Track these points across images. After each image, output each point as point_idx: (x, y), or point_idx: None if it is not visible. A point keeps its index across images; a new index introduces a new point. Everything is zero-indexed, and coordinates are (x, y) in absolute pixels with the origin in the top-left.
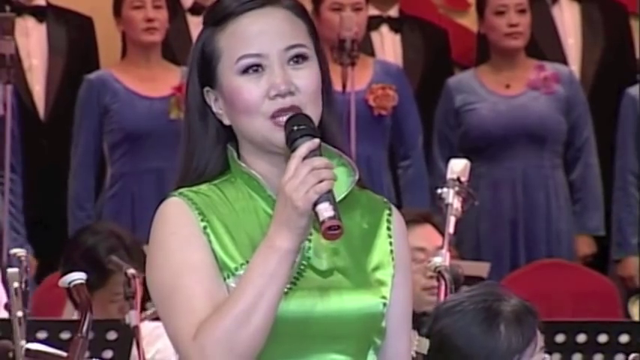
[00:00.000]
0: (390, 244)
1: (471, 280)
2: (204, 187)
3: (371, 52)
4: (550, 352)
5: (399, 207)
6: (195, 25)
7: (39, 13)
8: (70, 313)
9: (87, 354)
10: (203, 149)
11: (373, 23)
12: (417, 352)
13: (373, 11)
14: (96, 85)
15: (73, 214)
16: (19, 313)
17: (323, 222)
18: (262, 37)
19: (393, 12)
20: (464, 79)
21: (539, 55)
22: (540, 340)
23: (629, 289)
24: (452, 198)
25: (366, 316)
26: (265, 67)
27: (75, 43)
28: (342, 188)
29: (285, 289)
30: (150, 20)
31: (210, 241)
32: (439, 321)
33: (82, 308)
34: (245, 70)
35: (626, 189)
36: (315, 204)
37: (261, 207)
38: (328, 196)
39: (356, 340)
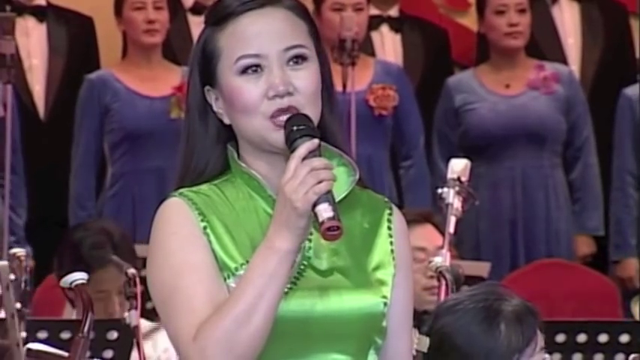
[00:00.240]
0: (391, 243)
1: (472, 280)
2: (204, 187)
3: (371, 52)
4: (550, 352)
5: (400, 207)
6: (196, 24)
7: (39, 13)
8: (70, 312)
9: (87, 354)
10: (203, 148)
11: (373, 23)
12: (417, 350)
13: (373, 11)
14: (97, 85)
15: (75, 214)
16: (17, 306)
17: (322, 223)
18: (262, 38)
19: (394, 12)
20: (464, 78)
21: (539, 54)
22: (541, 340)
23: (628, 290)
24: (452, 198)
25: (367, 315)
26: (264, 67)
27: (75, 43)
28: (342, 188)
29: (286, 289)
30: (151, 22)
31: (210, 242)
32: (440, 319)
33: (84, 308)
34: (244, 71)
35: (624, 189)
36: (315, 205)
37: (262, 207)
38: (327, 196)
39: (357, 340)
